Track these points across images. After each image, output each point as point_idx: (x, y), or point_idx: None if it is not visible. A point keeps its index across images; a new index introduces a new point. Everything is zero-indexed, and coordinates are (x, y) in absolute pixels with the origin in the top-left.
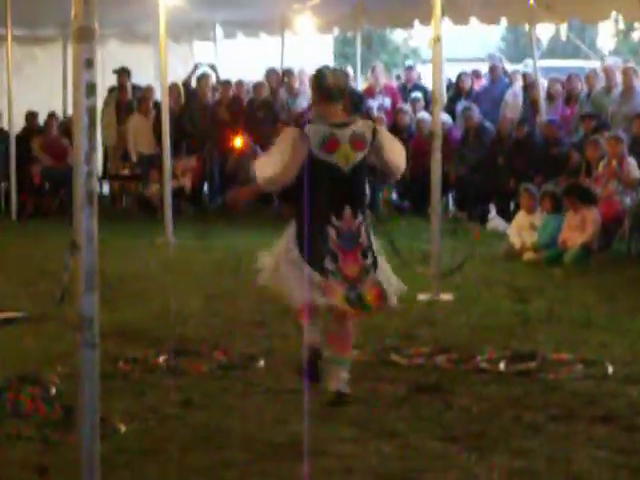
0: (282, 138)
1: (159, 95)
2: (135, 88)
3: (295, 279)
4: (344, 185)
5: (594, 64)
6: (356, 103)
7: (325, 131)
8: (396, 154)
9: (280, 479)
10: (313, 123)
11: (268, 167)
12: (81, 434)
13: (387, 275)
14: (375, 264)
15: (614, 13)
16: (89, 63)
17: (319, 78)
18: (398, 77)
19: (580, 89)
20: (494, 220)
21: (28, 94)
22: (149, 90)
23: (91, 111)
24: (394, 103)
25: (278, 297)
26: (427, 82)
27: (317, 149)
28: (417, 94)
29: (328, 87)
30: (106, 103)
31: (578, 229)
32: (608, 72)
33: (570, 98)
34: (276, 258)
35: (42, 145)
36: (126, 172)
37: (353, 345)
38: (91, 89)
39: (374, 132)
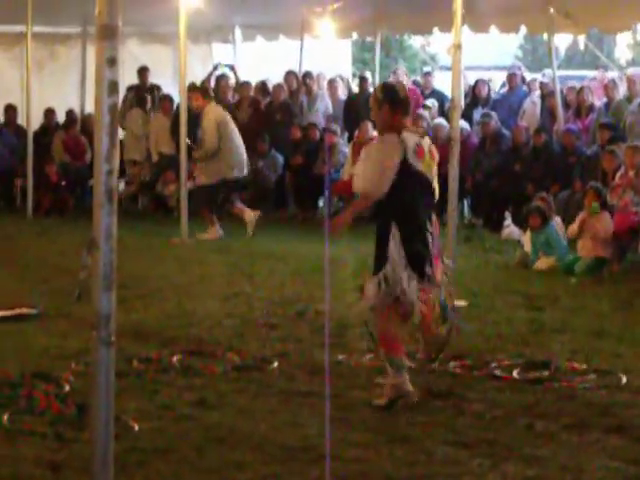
0: (379, 147)
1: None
2: (153, 87)
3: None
4: (429, 192)
5: (611, 74)
6: None
7: (415, 139)
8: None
9: None
10: (404, 131)
11: (372, 178)
12: (95, 432)
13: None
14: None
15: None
16: (111, 61)
17: (393, 91)
18: (415, 82)
19: (591, 100)
20: (509, 228)
21: (47, 91)
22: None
23: (112, 109)
24: (415, 107)
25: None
26: (444, 88)
27: (412, 156)
28: (432, 100)
29: (405, 100)
30: (124, 101)
31: (590, 235)
32: (630, 82)
33: (580, 110)
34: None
35: (62, 142)
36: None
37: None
38: (113, 87)
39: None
